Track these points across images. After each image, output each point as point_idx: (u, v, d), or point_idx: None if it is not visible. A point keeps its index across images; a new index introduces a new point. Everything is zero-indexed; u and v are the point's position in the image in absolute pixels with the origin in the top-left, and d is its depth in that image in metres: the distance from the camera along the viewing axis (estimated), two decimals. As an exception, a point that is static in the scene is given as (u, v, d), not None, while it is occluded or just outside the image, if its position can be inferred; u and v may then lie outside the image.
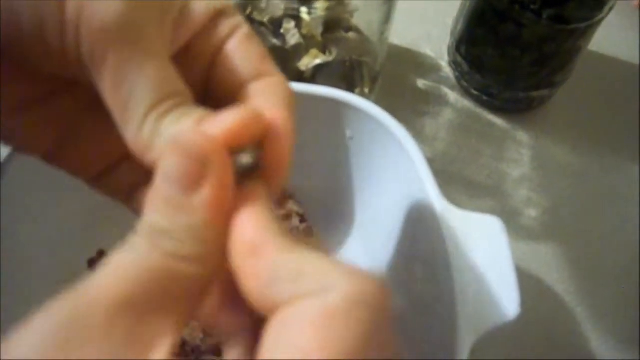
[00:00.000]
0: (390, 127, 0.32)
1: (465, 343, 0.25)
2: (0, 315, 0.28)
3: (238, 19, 0.20)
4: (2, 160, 0.30)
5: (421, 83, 0.50)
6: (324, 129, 0.35)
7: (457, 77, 0.50)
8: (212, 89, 0.20)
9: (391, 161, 0.33)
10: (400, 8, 0.41)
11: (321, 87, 0.33)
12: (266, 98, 0.19)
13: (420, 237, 0.31)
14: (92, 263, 0.36)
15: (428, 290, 0.31)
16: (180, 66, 0.18)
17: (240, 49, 0.20)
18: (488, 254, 0.28)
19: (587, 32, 0.42)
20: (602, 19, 0.41)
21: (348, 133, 0.34)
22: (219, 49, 0.20)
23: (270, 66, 0.20)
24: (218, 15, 0.20)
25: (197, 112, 0.17)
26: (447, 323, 0.27)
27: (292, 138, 0.18)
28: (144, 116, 0.17)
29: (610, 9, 0.41)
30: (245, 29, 0.20)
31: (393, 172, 0.33)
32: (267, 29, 0.40)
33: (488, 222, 0.29)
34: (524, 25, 0.42)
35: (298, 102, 0.34)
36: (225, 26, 0.20)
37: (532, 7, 0.40)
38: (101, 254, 0.37)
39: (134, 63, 0.17)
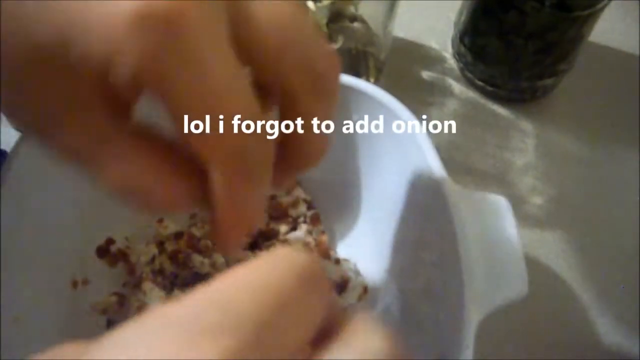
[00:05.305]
0: (396, 111, 0.32)
1: (473, 321, 0.26)
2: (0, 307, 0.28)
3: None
4: (9, 148, 0.31)
5: (426, 75, 0.51)
6: (330, 114, 0.35)
7: (461, 68, 0.50)
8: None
9: (397, 144, 0.33)
10: (404, 2, 0.42)
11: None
12: None
13: (428, 219, 0.31)
14: (101, 251, 0.37)
15: (436, 271, 0.31)
16: None
17: None
18: (495, 232, 0.28)
19: (589, 20, 0.43)
20: (605, 6, 0.41)
21: (355, 118, 0.35)
22: None
23: None
24: None
25: None
26: (455, 303, 0.27)
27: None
28: None
29: (612, -4, 0.41)
30: None
31: (400, 156, 0.33)
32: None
33: (494, 201, 0.29)
34: (527, 14, 0.42)
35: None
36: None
37: (535, -5, 0.41)
38: (110, 242, 0.37)
39: None
